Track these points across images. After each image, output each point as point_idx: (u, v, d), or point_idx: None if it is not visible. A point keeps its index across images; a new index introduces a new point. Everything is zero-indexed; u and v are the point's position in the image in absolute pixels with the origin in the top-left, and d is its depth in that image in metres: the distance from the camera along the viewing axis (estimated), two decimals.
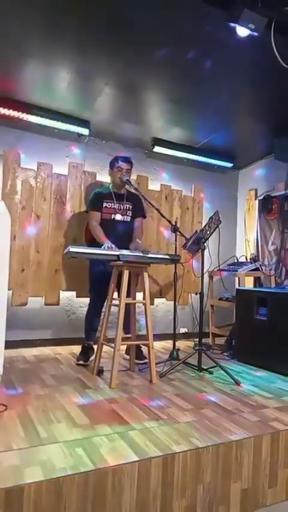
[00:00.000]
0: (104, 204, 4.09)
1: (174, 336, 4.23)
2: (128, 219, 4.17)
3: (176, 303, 4.30)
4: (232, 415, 2.68)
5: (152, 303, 5.11)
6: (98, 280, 3.97)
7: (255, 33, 3.13)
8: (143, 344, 3.74)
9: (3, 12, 3.11)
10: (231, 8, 3.07)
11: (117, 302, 3.42)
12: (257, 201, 5.70)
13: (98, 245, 3.74)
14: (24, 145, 4.54)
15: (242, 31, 3.18)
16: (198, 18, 3.24)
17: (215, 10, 3.11)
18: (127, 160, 4.14)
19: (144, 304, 3.47)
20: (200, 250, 3.72)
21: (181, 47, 3.56)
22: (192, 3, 3.12)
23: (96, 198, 4.13)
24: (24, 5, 3.09)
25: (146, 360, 3.71)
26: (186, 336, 5.42)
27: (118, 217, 4.10)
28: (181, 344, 4.89)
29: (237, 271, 4.89)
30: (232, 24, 3.13)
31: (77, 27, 3.31)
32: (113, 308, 3.59)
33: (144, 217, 4.34)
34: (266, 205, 5.46)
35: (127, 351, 4.06)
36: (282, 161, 4.91)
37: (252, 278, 5.30)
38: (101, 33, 3.38)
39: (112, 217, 4.09)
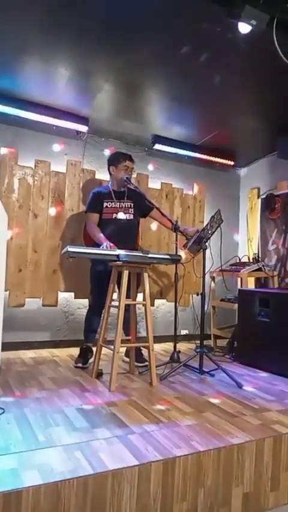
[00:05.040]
0: (105, 204, 4.04)
1: (175, 338, 4.19)
2: (131, 216, 4.10)
3: (177, 304, 4.26)
4: (234, 418, 2.64)
5: (152, 304, 5.09)
6: (99, 281, 3.92)
7: (257, 30, 3.10)
8: (143, 346, 3.70)
9: (1, 8, 3.07)
10: (232, 5, 3.05)
11: (116, 303, 3.37)
12: (259, 200, 5.67)
13: (98, 246, 3.69)
14: (22, 143, 4.51)
15: (244, 28, 3.15)
16: (199, 16, 3.22)
17: (216, 7, 3.08)
18: (132, 159, 4.10)
19: (144, 305, 3.43)
20: (202, 250, 3.68)
21: (182, 45, 3.53)
22: (193, 0, 3.09)
23: (96, 199, 4.08)
24: (23, 1, 3.06)
25: (146, 363, 3.67)
26: (187, 338, 5.38)
27: (120, 215, 4.04)
28: (182, 346, 4.84)
29: (239, 271, 4.84)
30: (233, 21, 3.11)
31: (77, 23, 3.28)
32: (112, 309, 3.54)
33: (157, 208, 4.09)
34: (269, 204, 5.43)
35: (127, 354, 4.01)
36: (285, 159, 4.88)
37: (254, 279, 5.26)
38: (101, 29, 3.35)
39: (114, 216, 4.03)
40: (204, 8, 3.12)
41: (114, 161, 4.11)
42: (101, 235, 3.84)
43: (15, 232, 4.43)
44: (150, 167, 5.39)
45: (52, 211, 4.65)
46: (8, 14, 3.13)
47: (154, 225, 5.19)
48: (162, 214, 4.06)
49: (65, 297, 4.76)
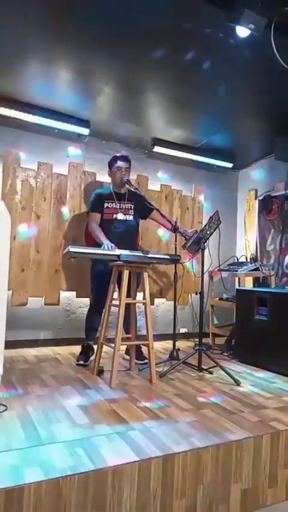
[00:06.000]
0: (105, 204, 4.08)
1: (174, 336, 4.22)
2: (131, 217, 4.14)
3: (176, 303, 4.29)
4: (232, 415, 2.67)
5: (152, 303, 5.12)
6: (99, 280, 3.95)
7: (256, 34, 3.12)
8: (143, 344, 3.73)
9: (2, 11, 3.10)
10: (231, 9, 3.07)
11: (117, 302, 3.41)
12: (257, 201, 5.70)
13: (99, 246, 3.73)
14: (24, 145, 4.54)
15: (242, 31, 3.18)
16: (198, 19, 3.24)
17: (215, 10, 3.10)
18: (125, 159, 4.12)
19: (144, 304, 3.46)
20: (200, 250, 3.72)
21: (181, 47, 3.56)
22: (192, 4, 3.11)
23: (97, 199, 4.12)
24: (24, 4, 3.09)
25: (146, 361, 3.70)
26: (186, 336, 5.42)
27: (120, 216, 4.08)
28: (181, 344, 4.89)
29: (237, 271, 4.88)
30: (232, 25, 3.13)
31: (77, 26, 3.30)
32: (113, 308, 3.58)
33: (157, 209, 4.10)
34: (266, 205, 5.45)
35: (127, 351, 4.05)
36: (282, 161, 4.91)
37: (252, 278, 5.30)
38: (101, 32, 3.37)
39: (114, 217, 4.06)
40: (203, 11, 3.14)
41: (109, 164, 4.16)
42: (102, 234, 3.88)
43: (18, 233, 4.47)
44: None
45: (54, 212, 4.69)
46: (9, 16, 3.15)
47: (154, 225, 5.19)
48: (162, 215, 4.10)
49: (67, 296, 4.79)
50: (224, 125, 4.89)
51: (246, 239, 5.87)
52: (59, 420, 2.46)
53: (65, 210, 4.76)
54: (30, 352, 4.35)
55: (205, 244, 3.71)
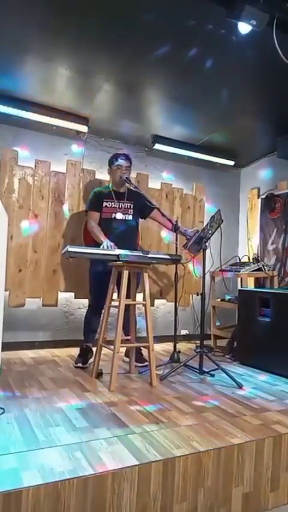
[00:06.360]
0: (104, 203, 4.05)
1: (175, 338, 4.19)
2: (130, 217, 4.11)
3: (177, 304, 4.25)
4: (234, 418, 2.64)
5: (152, 304, 5.08)
6: (98, 281, 3.91)
7: (257, 30, 3.10)
8: (143, 346, 3.69)
9: (2, 8, 3.07)
10: (232, 5, 3.04)
11: (116, 303, 3.37)
12: (259, 200, 5.66)
13: (98, 246, 3.69)
14: (22, 143, 4.51)
15: (244, 28, 3.15)
16: (199, 16, 3.21)
17: (216, 7, 3.08)
18: (126, 158, 4.09)
19: (144, 305, 3.42)
20: (202, 250, 3.68)
21: (182, 44, 3.52)
22: (193, 0, 3.08)
23: (96, 198, 4.09)
24: (23, 1, 3.06)
25: (146, 363, 3.66)
26: (187, 338, 5.37)
27: (119, 216, 4.05)
28: (182, 346, 4.84)
29: (239, 271, 4.83)
30: (233, 21, 3.11)
31: (77, 23, 3.27)
32: (112, 309, 3.54)
33: (157, 208, 4.09)
34: (269, 204, 5.42)
35: (127, 354, 4.01)
36: (285, 159, 4.88)
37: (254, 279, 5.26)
38: (101, 29, 3.34)
39: (113, 216, 4.03)
40: (204, 8, 3.11)
41: (109, 162, 4.14)
42: (102, 233, 3.86)
43: (15, 232, 4.43)
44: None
45: (52, 211, 4.64)
46: (9, 13, 3.12)
47: (154, 225, 5.16)
48: (162, 214, 4.07)
49: (65, 297, 4.75)
50: (225, 122, 4.85)
51: (248, 238, 5.83)
52: (57, 424, 2.43)
53: (64, 209, 4.72)
54: (28, 354, 4.30)
55: (206, 244, 3.67)
